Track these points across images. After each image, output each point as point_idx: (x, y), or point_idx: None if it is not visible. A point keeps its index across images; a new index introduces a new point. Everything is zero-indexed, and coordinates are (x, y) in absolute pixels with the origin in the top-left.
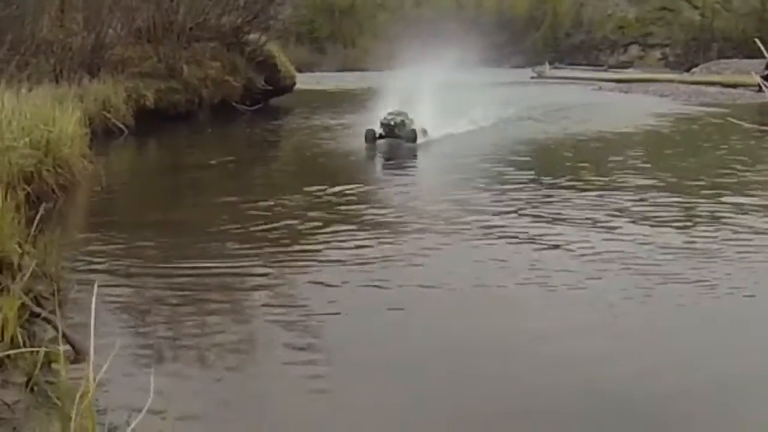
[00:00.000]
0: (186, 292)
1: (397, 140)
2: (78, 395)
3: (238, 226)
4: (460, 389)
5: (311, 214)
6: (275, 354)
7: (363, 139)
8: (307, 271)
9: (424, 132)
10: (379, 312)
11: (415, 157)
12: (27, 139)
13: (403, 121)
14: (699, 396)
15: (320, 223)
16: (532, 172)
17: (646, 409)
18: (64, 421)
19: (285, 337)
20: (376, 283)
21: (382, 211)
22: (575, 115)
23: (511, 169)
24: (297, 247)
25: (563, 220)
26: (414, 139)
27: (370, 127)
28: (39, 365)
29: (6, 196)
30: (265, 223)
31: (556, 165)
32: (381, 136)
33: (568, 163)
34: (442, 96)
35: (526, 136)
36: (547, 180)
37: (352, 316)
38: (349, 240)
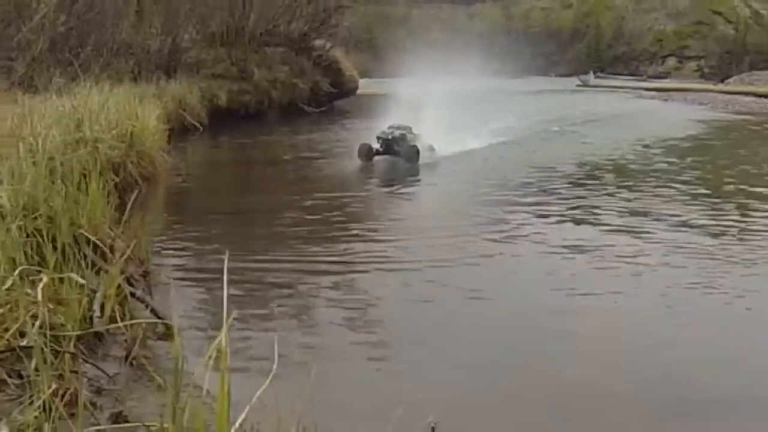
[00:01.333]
0: (262, 273)
1: (396, 157)
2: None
3: (305, 215)
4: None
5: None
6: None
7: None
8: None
9: (431, 149)
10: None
11: (414, 177)
12: (114, 132)
13: (403, 135)
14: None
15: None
16: (580, 188)
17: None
18: (163, 393)
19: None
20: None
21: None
22: (624, 123)
23: (534, 198)
24: (355, 235)
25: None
26: (415, 158)
27: (365, 142)
28: (138, 340)
29: (97, 185)
30: (329, 213)
31: (610, 175)
32: (378, 152)
33: (624, 171)
34: (485, 103)
35: (571, 152)
36: (600, 188)
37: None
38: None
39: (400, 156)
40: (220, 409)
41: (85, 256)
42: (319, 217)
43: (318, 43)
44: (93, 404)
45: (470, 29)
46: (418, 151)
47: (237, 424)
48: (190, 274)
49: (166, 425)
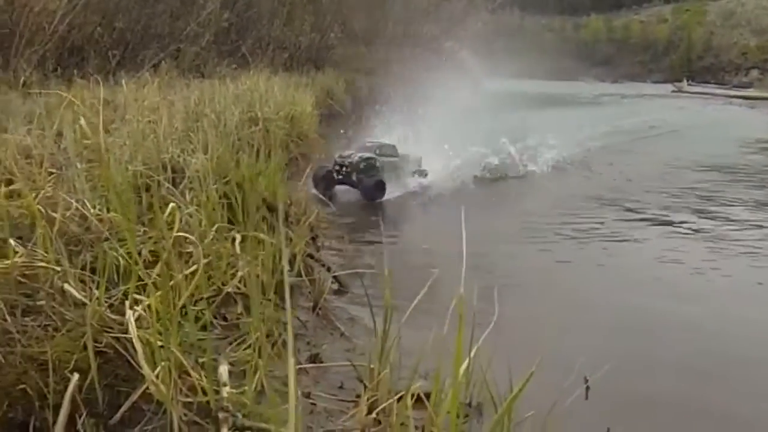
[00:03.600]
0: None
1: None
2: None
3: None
4: None
5: None
6: None
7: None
8: None
9: (421, 173)
10: None
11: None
12: (280, 114)
13: (369, 161)
14: None
15: None
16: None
17: None
18: (346, 339)
19: None
20: None
21: None
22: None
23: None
24: None
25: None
26: (376, 194)
27: (323, 165)
28: (324, 293)
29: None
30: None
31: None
32: (340, 181)
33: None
34: (606, 106)
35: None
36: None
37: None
38: None
39: (358, 189)
40: (456, 351)
41: (266, 219)
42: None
43: (448, 44)
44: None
45: (577, 38)
46: (382, 187)
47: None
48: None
49: (372, 366)
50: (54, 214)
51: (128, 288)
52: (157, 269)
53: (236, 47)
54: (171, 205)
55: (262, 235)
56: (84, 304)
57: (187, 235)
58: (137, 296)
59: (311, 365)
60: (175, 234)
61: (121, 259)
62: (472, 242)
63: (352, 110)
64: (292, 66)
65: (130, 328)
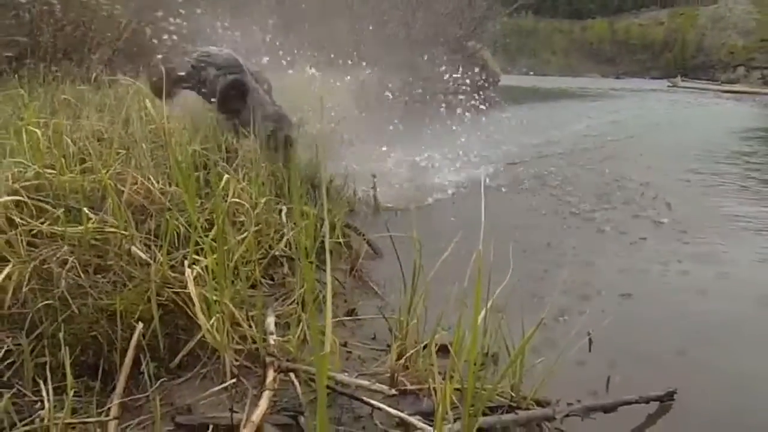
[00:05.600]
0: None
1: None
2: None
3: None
4: None
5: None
6: None
7: None
8: None
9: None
10: None
11: None
12: (319, 104)
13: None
14: None
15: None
16: None
17: None
18: (379, 298)
19: None
20: None
21: None
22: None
23: None
24: None
25: None
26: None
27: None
28: (360, 257)
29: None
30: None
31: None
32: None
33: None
34: (614, 99)
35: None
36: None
37: None
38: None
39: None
40: (475, 303)
41: (309, 193)
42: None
43: (470, 44)
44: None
45: (583, 39)
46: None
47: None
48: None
49: (402, 318)
50: (122, 188)
51: (188, 251)
52: (212, 234)
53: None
54: (225, 177)
55: (305, 207)
56: (148, 264)
57: (240, 201)
58: (195, 258)
59: (347, 318)
60: (229, 202)
61: (181, 226)
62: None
63: (386, 102)
64: (330, 62)
65: (189, 284)
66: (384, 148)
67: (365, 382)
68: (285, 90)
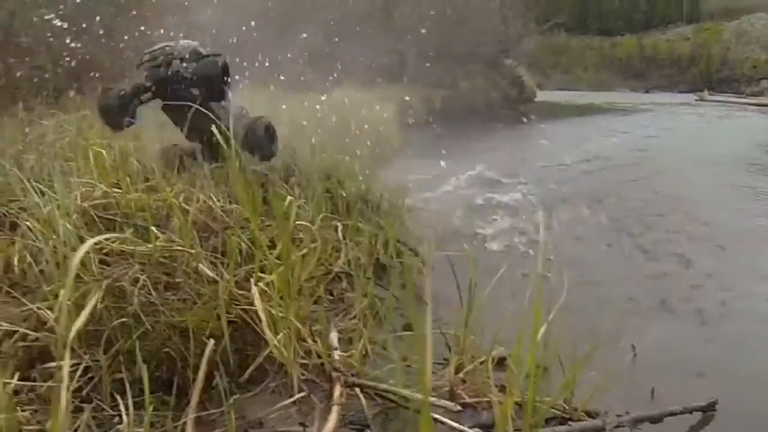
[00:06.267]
0: None
1: None
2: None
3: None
4: None
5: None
6: None
7: None
8: None
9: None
10: None
11: None
12: (365, 121)
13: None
14: None
15: None
16: None
17: None
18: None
19: None
20: None
21: None
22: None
23: None
24: None
25: None
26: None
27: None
28: (411, 272)
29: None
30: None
31: None
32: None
33: None
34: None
35: None
36: None
37: None
38: None
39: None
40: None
41: (362, 210)
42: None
43: (507, 62)
44: (384, 317)
45: (612, 55)
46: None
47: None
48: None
49: (459, 332)
50: (186, 206)
51: (251, 268)
52: (276, 252)
53: (329, 67)
54: (289, 198)
55: (360, 224)
56: (215, 281)
57: (303, 222)
58: (260, 275)
59: (406, 333)
60: (292, 223)
61: (243, 243)
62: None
63: (427, 118)
64: (374, 81)
65: (256, 302)
66: (430, 163)
67: (430, 398)
68: (334, 109)
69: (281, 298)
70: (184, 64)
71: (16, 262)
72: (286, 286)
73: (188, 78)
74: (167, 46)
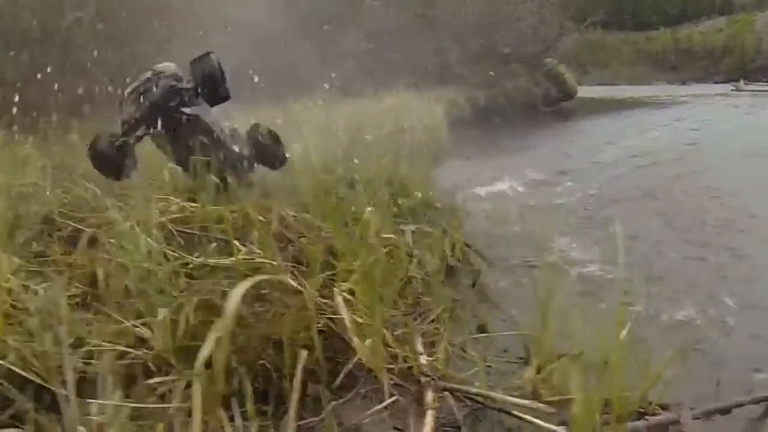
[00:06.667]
0: None
1: None
2: None
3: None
4: None
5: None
6: None
7: None
8: None
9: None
10: None
11: None
12: (419, 124)
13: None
14: None
15: None
16: None
17: None
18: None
19: None
20: None
21: None
22: None
23: None
24: None
25: None
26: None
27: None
28: (481, 273)
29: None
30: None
31: None
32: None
33: None
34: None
35: None
36: None
37: None
38: None
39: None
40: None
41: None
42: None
43: (547, 60)
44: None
45: (648, 49)
46: None
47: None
48: None
49: (536, 332)
50: (263, 218)
51: (331, 275)
52: (357, 260)
53: (378, 72)
54: (367, 210)
55: (427, 228)
56: (299, 292)
57: (379, 231)
58: (341, 283)
59: (482, 335)
60: (371, 233)
61: (321, 253)
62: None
63: (473, 118)
64: (416, 84)
65: (341, 310)
66: (479, 163)
67: (518, 400)
68: (389, 111)
69: (365, 305)
70: (174, 82)
71: (101, 278)
72: (368, 293)
73: (184, 89)
74: (148, 71)
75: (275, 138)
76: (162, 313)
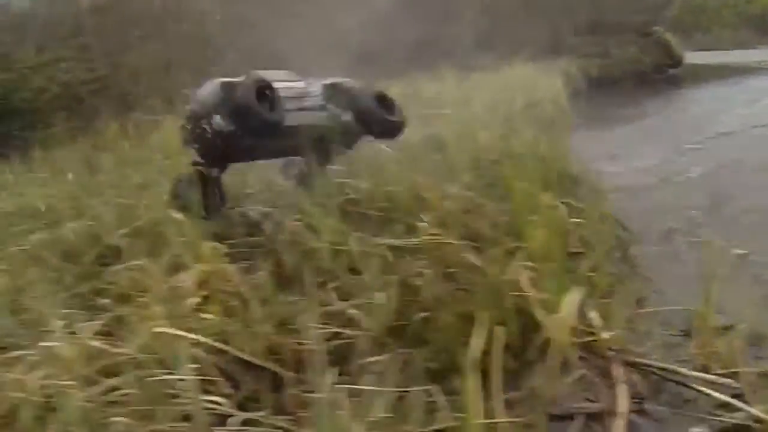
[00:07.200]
0: None
1: None
2: None
3: None
4: None
5: None
6: None
7: None
8: None
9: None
10: None
11: None
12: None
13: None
14: None
15: None
16: None
17: None
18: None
19: None
20: None
21: None
22: None
23: None
24: None
25: None
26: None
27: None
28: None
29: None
30: None
31: None
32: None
33: None
34: None
35: None
36: None
37: None
38: None
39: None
40: None
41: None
42: None
43: (656, 28)
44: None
45: (749, 12)
46: None
47: None
48: None
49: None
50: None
51: (510, 250)
52: (535, 236)
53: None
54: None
55: (572, 202)
56: (481, 268)
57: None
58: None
59: (646, 310)
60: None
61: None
62: None
63: (587, 88)
64: (535, 56)
65: (525, 287)
66: (601, 135)
67: (699, 374)
68: (515, 85)
69: (546, 281)
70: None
71: (291, 260)
72: (553, 271)
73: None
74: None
75: (389, 103)
76: (379, 296)
